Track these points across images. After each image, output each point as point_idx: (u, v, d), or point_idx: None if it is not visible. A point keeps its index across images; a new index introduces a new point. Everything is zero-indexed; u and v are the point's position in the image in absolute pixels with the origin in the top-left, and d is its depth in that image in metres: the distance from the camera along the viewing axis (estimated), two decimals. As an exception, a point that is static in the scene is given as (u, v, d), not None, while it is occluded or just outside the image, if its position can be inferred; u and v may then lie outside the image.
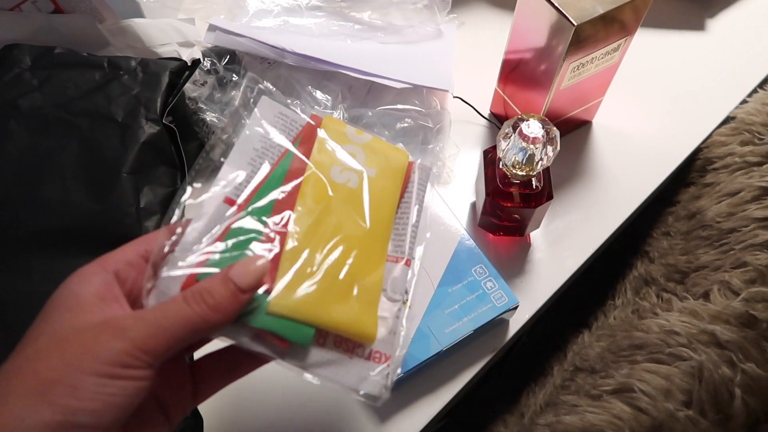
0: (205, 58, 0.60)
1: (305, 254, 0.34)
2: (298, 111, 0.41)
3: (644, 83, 0.69)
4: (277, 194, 0.36)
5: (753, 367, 0.40)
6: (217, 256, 0.32)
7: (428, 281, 0.50)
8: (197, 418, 0.46)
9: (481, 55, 0.69)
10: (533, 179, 0.52)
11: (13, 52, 0.55)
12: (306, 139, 0.40)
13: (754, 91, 0.67)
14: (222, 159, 0.36)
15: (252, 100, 0.40)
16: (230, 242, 0.33)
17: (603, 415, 0.42)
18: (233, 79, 0.59)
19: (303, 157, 0.38)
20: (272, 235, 0.34)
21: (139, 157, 0.51)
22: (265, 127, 0.39)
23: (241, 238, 0.33)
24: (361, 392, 0.34)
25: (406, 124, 0.60)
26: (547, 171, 0.53)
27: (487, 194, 0.52)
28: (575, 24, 0.48)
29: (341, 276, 0.35)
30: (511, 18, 0.55)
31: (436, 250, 0.52)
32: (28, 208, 0.49)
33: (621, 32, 0.53)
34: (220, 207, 0.34)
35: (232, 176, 0.36)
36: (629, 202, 0.61)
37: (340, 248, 0.36)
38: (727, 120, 0.65)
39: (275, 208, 0.35)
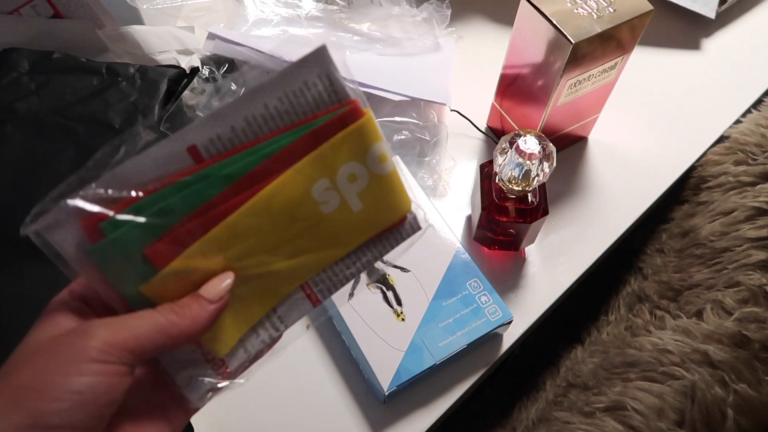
0: (204, 66, 0.60)
1: (221, 250, 0.30)
2: (347, 85, 0.32)
3: (640, 101, 0.70)
4: (242, 175, 0.30)
5: (745, 388, 0.41)
6: (138, 211, 0.28)
7: (423, 294, 0.50)
8: (187, 425, 0.46)
9: (479, 69, 0.69)
10: (529, 194, 0.52)
11: (11, 56, 0.55)
12: (328, 126, 0.31)
13: (748, 111, 0.68)
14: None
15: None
16: (159, 199, 0.29)
17: (595, 433, 0.42)
18: (232, 87, 0.59)
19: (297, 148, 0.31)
20: (203, 215, 0.29)
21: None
22: (296, 87, 0.31)
23: (175, 203, 0.29)
24: (182, 392, 0.32)
25: (403, 137, 0.61)
26: (543, 186, 0.53)
27: (482, 208, 0.53)
28: (573, 42, 0.48)
29: (240, 283, 0.31)
30: (510, 33, 0.55)
31: (432, 263, 0.52)
32: (22, 212, 0.48)
33: (618, 50, 0.53)
34: (178, 152, 0.29)
35: (215, 129, 0.30)
36: (624, 218, 0.61)
37: (259, 260, 0.32)
38: (722, 139, 0.65)
39: (232, 187, 0.30)
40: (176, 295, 0.30)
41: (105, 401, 0.27)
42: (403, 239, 0.36)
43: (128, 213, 0.28)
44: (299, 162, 0.31)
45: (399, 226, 0.36)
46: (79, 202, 0.27)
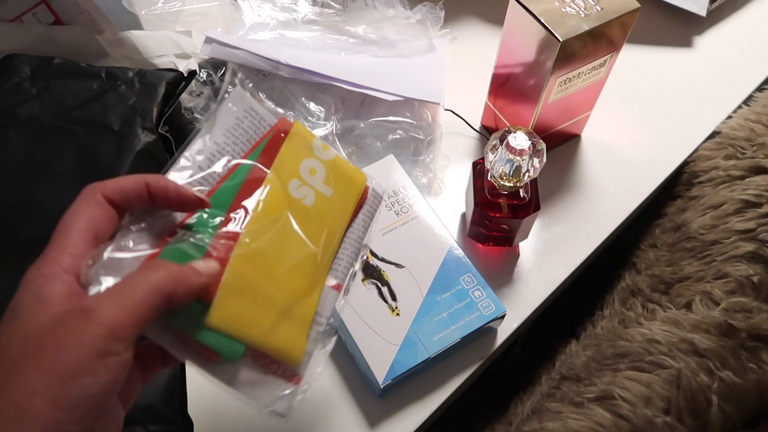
0: (202, 70, 0.61)
1: (249, 270, 0.34)
2: (269, 109, 0.40)
3: (632, 98, 0.71)
4: (231, 199, 0.35)
5: (730, 375, 0.41)
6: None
7: (417, 289, 0.51)
8: (188, 423, 0.47)
9: (472, 69, 0.70)
10: (521, 190, 0.53)
11: (13, 62, 0.56)
12: (272, 143, 0.38)
13: (739, 107, 0.69)
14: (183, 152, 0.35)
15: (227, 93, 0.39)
16: (180, 239, 0.32)
17: (584, 422, 0.43)
18: (229, 90, 0.60)
19: (262, 167, 0.37)
20: (219, 244, 0.33)
21: (135, 166, 0.52)
22: (232, 123, 0.37)
23: (190, 237, 0.32)
24: (269, 410, 0.35)
25: (397, 136, 0.62)
26: (534, 182, 0.54)
27: (476, 205, 0.53)
28: (561, 40, 0.49)
29: (280, 296, 0.35)
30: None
31: (426, 258, 0.53)
32: (23, 213, 0.49)
33: (607, 48, 0.54)
34: None
35: (187, 171, 0.35)
36: (617, 214, 0.62)
37: (285, 266, 0.36)
38: (713, 135, 0.66)
39: (229, 211, 0.34)
40: (240, 315, 0.32)
41: (114, 392, 0.26)
42: (377, 207, 0.44)
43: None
44: (267, 174, 0.37)
45: (365, 198, 0.43)
46: (114, 254, 0.30)
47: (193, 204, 0.33)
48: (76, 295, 0.27)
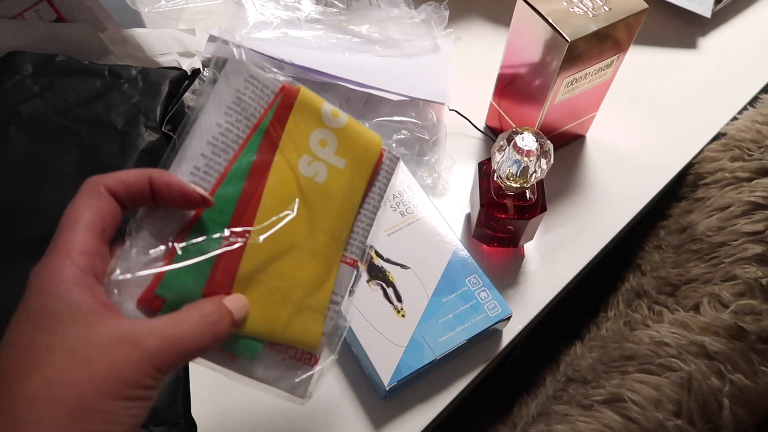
0: (205, 68, 0.61)
1: (263, 265, 0.33)
2: (273, 73, 0.36)
3: (637, 100, 0.70)
4: (239, 190, 0.33)
5: (741, 378, 0.41)
6: (177, 260, 0.31)
7: (422, 290, 0.51)
8: (191, 425, 0.46)
9: (477, 69, 0.70)
10: (527, 191, 0.53)
11: (15, 59, 0.55)
12: (278, 115, 0.35)
13: (744, 108, 0.68)
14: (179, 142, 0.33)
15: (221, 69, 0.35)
16: (190, 244, 0.31)
17: (594, 425, 0.43)
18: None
19: (269, 147, 0.35)
20: (232, 239, 0.32)
21: (138, 165, 0.52)
22: (232, 98, 0.34)
23: (200, 240, 0.32)
24: (287, 394, 0.35)
25: (402, 136, 0.61)
26: (540, 183, 0.54)
27: (481, 206, 0.53)
28: (569, 40, 0.49)
29: (295, 290, 0.34)
30: (507, 33, 0.56)
31: (431, 259, 0.52)
32: (26, 213, 0.49)
33: (614, 49, 0.54)
34: None
35: (189, 163, 0.32)
36: (622, 215, 0.62)
37: (299, 256, 0.35)
38: (718, 136, 0.66)
39: (237, 206, 0.33)
40: (255, 316, 0.32)
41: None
42: (392, 173, 0.41)
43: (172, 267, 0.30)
44: (275, 153, 0.35)
45: (381, 164, 0.40)
46: (127, 276, 0.29)
47: (196, 202, 0.32)
48: (104, 306, 0.27)
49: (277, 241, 0.34)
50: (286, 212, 0.34)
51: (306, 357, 0.36)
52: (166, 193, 0.30)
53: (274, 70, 0.36)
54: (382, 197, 0.40)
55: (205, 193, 0.32)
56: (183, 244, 0.31)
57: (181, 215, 0.32)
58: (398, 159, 0.41)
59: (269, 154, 0.35)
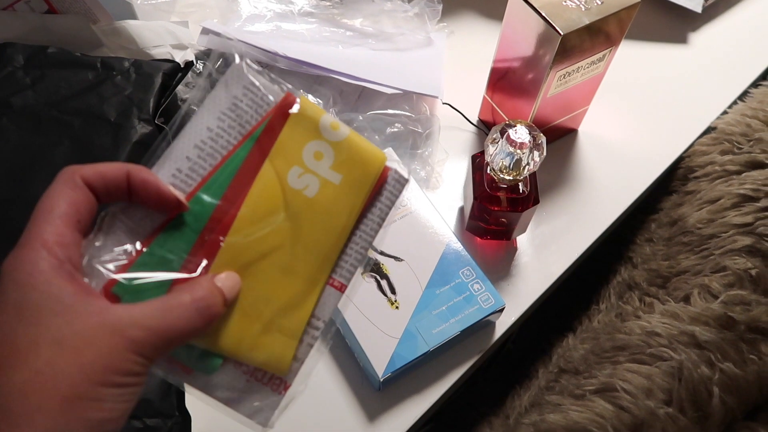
0: (198, 61, 0.61)
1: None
2: (272, 83, 0.35)
3: (629, 94, 0.71)
4: (220, 196, 0.32)
5: (731, 367, 0.42)
6: (138, 266, 0.30)
7: (416, 282, 0.51)
8: (185, 417, 0.46)
9: (470, 63, 0.70)
10: (520, 184, 0.53)
11: (6, 51, 0.55)
12: (272, 124, 0.34)
13: (734, 102, 0.69)
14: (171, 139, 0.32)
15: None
16: (156, 250, 0.30)
17: (586, 413, 0.43)
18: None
19: (258, 156, 0.34)
20: (196, 255, 0.31)
21: (131, 157, 0.52)
22: (228, 104, 0.33)
23: (167, 251, 0.30)
24: (251, 420, 0.33)
25: (396, 129, 0.61)
26: (533, 176, 0.54)
27: (474, 198, 0.53)
28: (562, 33, 0.49)
29: (267, 307, 0.32)
30: (500, 27, 0.56)
31: (425, 252, 0.53)
32: (18, 205, 0.49)
33: (606, 43, 0.54)
34: None
35: (172, 165, 0.31)
36: (613, 208, 0.62)
37: (271, 270, 0.33)
38: (709, 130, 0.67)
39: (215, 213, 0.32)
40: (217, 329, 0.31)
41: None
42: (397, 195, 0.37)
43: (134, 271, 0.29)
44: (264, 163, 0.33)
45: (384, 183, 0.36)
46: (103, 269, 0.29)
47: (170, 205, 0.30)
48: (85, 293, 0.27)
49: (251, 255, 0.32)
50: (266, 222, 0.33)
51: (275, 382, 0.33)
52: (142, 191, 0.30)
53: (272, 83, 0.35)
54: (383, 220, 0.36)
55: (182, 197, 0.31)
56: (146, 250, 0.30)
57: (156, 216, 0.31)
58: (407, 180, 0.37)
59: (258, 163, 0.33)
